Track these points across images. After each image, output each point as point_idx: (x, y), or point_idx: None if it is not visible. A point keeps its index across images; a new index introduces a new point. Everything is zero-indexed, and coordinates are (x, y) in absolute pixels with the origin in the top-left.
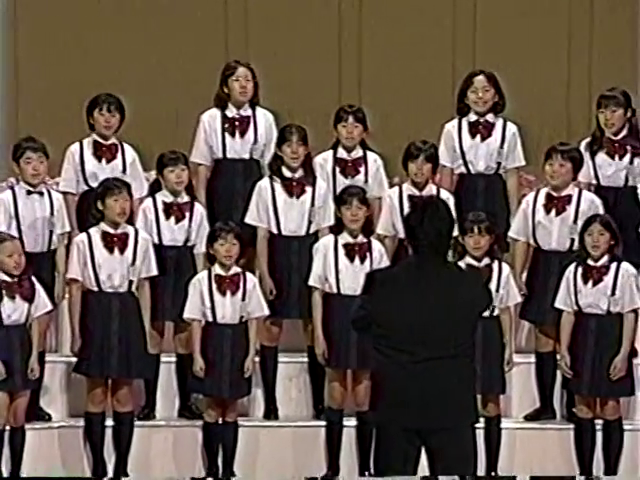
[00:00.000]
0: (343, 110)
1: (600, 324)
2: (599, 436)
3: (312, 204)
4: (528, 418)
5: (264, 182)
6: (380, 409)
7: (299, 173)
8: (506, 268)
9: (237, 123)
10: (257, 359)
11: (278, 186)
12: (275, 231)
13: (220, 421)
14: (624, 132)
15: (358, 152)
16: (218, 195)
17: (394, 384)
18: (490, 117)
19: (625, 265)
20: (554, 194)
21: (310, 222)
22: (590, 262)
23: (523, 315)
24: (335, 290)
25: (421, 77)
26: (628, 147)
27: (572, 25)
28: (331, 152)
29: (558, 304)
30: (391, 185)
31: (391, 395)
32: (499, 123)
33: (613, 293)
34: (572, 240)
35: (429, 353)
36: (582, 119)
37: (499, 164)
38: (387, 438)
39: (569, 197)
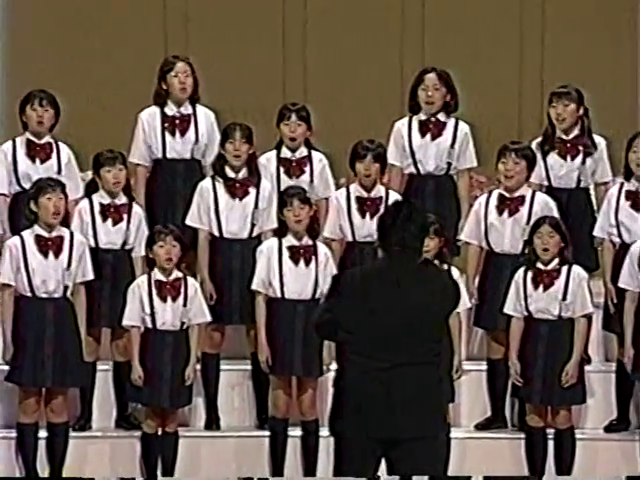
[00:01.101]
0: (286, 108)
1: (551, 330)
2: (551, 445)
3: (256, 206)
4: (478, 427)
5: (206, 182)
6: (342, 418)
7: (243, 173)
8: (455, 272)
9: (177, 122)
10: (198, 367)
11: (220, 187)
12: (216, 233)
13: (159, 432)
14: (576, 132)
15: (302, 152)
16: (157, 196)
17: (359, 392)
18: (441, 116)
19: (576, 268)
20: (507, 195)
21: (253, 224)
22: (540, 266)
23: (476, 321)
24: (279, 294)
25: (368, 74)
26: (580, 147)
27: (523, 23)
28: (274, 152)
29: (507, 310)
30: (337, 186)
31: (355, 403)
32: (451, 122)
33: (564, 298)
34: (525, 242)
35: (397, 359)
36: (533, 119)
37: (449, 164)
38: (348, 448)
39: (522, 198)
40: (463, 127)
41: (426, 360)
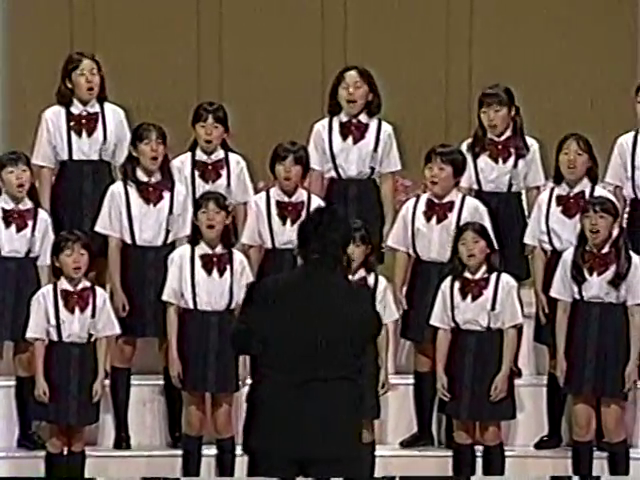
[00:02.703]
0: (202, 108)
1: (479, 342)
2: (479, 463)
3: (170, 211)
4: (404, 444)
5: (117, 187)
6: (255, 436)
7: (156, 177)
8: (382, 281)
9: (84, 121)
10: (107, 382)
11: (133, 191)
12: (129, 241)
13: (65, 451)
14: (508, 133)
15: (219, 154)
16: (64, 201)
17: (271, 408)
18: (363, 117)
19: (505, 277)
20: (435, 200)
21: (168, 231)
22: (467, 275)
23: (403, 333)
24: (191, 305)
25: (288, 73)
26: (512, 149)
27: (450, 20)
28: (189, 154)
29: (434, 321)
30: (256, 190)
31: (267, 420)
32: (373, 124)
33: (493, 307)
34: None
35: (313, 374)
36: (461, 120)
37: (373, 169)
38: (261, 466)
39: (451, 203)
40: (386, 128)
41: (343, 376)
